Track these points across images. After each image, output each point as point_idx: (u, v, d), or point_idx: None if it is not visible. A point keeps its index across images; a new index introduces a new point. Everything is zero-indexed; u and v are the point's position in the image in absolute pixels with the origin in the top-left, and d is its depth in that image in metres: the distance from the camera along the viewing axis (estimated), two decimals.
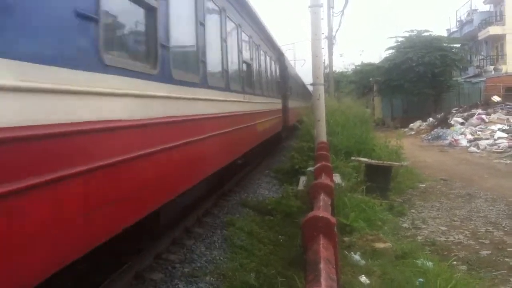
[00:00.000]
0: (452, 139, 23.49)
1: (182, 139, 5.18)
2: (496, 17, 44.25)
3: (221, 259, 6.54)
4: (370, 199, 8.92)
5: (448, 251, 7.33)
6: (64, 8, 3.03)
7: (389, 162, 11.26)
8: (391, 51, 38.56)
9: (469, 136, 23.36)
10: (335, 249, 3.39)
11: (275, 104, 15.89)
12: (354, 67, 57.71)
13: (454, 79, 37.49)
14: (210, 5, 7.22)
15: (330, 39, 30.50)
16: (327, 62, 31.61)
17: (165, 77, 4.87)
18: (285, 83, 19.51)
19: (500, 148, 19.85)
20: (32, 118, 2.62)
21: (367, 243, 6.57)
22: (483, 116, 26.68)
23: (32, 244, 2.63)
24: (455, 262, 6.59)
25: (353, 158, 11.78)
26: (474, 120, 26.58)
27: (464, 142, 22.53)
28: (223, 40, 8.07)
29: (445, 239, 7.94)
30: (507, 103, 30.03)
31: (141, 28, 4.62)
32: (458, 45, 38.23)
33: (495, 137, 21.85)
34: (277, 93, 16.95)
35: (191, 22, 6.27)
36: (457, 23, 51.58)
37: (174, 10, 5.18)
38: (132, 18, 4.47)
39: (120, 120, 3.67)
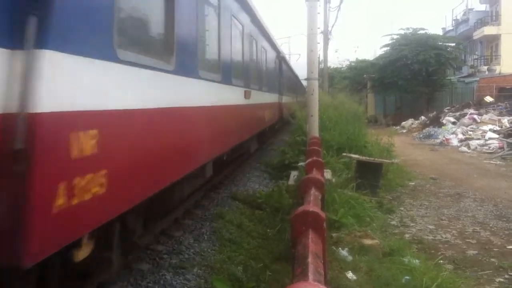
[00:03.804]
0: (444, 138, 23.60)
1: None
2: (492, 17, 44.32)
3: (209, 251, 6.54)
4: (359, 195, 8.94)
5: (435, 249, 7.37)
6: None
7: (380, 159, 11.29)
8: (386, 48, 38.58)
9: (460, 136, 23.47)
10: (324, 244, 3.40)
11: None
12: (348, 63, 57.75)
13: (448, 78, 37.59)
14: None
15: (326, 34, 30.44)
16: (322, 57, 31.56)
17: None
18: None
19: (490, 148, 19.97)
20: None
21: (355, 239, 6.60)
22: (475, 116, 26.77)
23: None
24: (441, 261, 6.64)
25: (344, 154, 11.80)
26: (466, 120, 26.67)
27: (455, 142, 22.63)
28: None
29: (433, 238, 7.99)
30: (499, 104, 30.18)
31: None
32: (453, 44, 38.26)
33: (486, 137, 21.94)
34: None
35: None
36: (453, 22, 51.69)
37: None
38: None
39: None
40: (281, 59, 21.90)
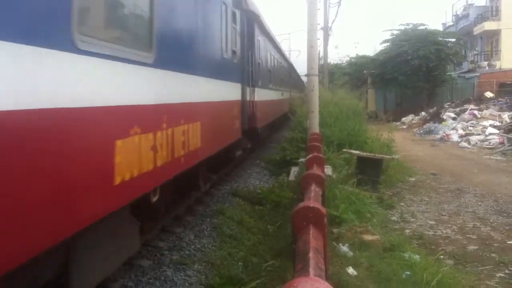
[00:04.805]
0: (444, 134, 23.59)
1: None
2: (492, 12, 44.13)
3: (209, 248, 6.55)
4: (360, 191, 8.94)
5: (435, 245, 7.39)
6: None
7: (380, 155, 11.29)
8: (386, 44, 38.53)
9: (461, 131, 23.46)
10: (324, 239, 3.40)
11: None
12: (348, 59, 57.60)
13: (448, 73, 37.54)
14: None
15: (326, 30, 30.38)
16: (322, 53, 31.52)
17: None
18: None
19: (491, 144, 19.96)
20: None
21: (356, 235, 6.60)
22: (475, 112, 26.75)
23: None
24: (442, 256, 6.65)
25: (344, 150, 11.80)
26: (466, 115, 26.66)
27: (455, 137, 22.63)
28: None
29: (433, 233, 8.00)
30: (500, 99, 30.14)
31: None
32: (453, 40, 38.19)
33: (487, 133, 21.95)
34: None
35: None
36: (453, 17, 51.53)
37: None
38: None
39: None
40: (251, 18, 12.00)
